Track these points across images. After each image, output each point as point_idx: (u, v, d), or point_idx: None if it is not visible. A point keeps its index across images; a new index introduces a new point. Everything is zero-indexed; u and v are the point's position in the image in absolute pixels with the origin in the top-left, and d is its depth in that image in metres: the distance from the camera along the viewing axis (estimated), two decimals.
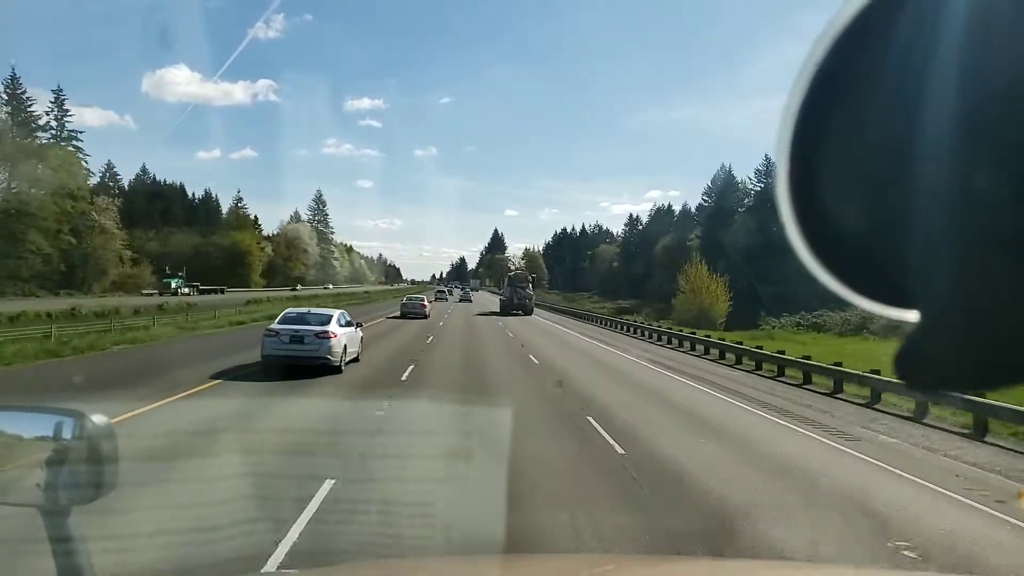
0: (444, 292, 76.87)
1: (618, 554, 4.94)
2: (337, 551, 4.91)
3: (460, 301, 71.87)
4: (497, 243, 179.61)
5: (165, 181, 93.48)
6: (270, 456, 7.37)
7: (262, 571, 4.30)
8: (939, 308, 0.46)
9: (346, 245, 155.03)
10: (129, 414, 9.19)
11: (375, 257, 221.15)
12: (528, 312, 49.04)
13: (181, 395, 11.16)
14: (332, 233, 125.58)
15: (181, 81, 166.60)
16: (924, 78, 0.44)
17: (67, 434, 1.11)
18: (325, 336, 14.04)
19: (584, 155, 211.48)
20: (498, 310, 50.10)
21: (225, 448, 7.77)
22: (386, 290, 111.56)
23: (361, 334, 17.16)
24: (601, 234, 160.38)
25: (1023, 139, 0.40)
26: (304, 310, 16.00)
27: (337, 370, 14.19)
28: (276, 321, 15.02)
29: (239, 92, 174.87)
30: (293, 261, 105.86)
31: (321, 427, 9.45)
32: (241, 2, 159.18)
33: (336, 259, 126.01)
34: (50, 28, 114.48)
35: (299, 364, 13.60)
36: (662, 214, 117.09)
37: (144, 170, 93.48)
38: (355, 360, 15.95)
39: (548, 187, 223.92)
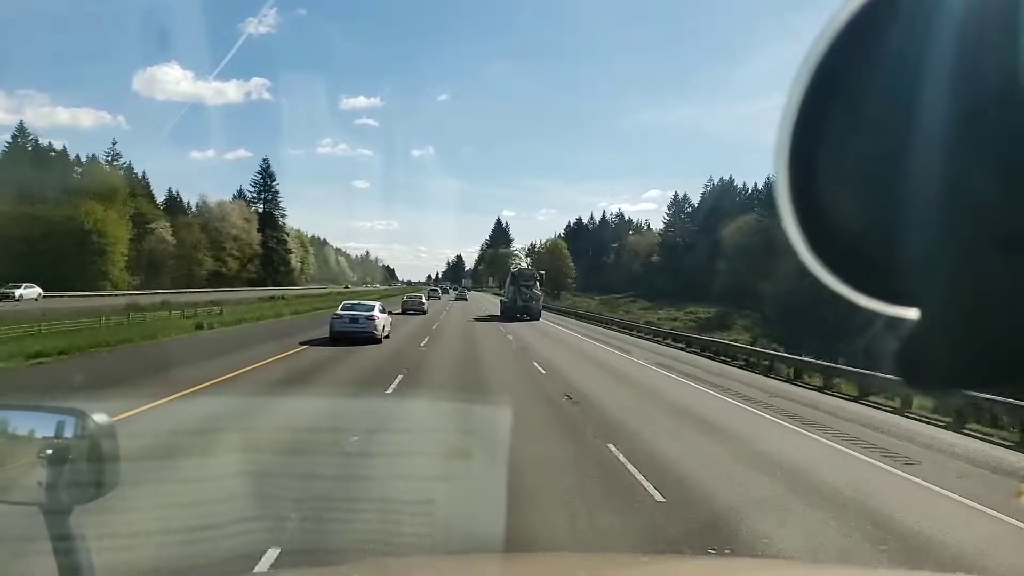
0: (437, 291, 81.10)
1: (618, 554, 4.78)
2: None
3: (455, 300, 74.03)
4: (500, 236, 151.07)
5: (50, 144, 69.22)
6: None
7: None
8: (938, 306, 0.47)
9: (313, 237, 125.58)
10: None
11: (361, 256, 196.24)
12: (534, 316, 40.61)
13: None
14: (284, 216, 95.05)
15: (172, 80, 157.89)
16: (921, 77, 0.44)
17: (69, 433, 1.12)
18: (371, 319, 21.09)
19: (581, 155, 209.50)
20: (499, 314, 41.81)
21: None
22: (335, 294, 67.37)
23: (391, 319, 24.13)
24: (623, 224, 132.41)
25: (1020, 138, 0.41)
26: (356, 302, 24.03)
27: (379, 341, 20.89)
28: (339, 309, 22.25)
29: (232, 91, 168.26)
30: (202, 251, 73.01)
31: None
32: None
33: (290, 251, 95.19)
34: (39, 28, 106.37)
35: (354, 337, 20.38)
36: (723, 190, 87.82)
37: (22, 129, 68.46)
38: (387, 336, 22.33)
39: (545, 188, 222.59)
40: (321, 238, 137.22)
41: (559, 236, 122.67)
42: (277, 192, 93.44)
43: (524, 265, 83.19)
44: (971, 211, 0.43)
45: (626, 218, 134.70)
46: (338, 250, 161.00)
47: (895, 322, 0.48)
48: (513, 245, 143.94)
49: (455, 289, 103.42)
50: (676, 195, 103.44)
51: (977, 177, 0.42)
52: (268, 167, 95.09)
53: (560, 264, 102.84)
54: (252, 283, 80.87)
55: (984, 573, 5.24)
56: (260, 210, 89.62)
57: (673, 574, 2.28)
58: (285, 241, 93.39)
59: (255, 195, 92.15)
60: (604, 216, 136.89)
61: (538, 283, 42.42)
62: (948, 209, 0.44)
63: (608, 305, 73.13)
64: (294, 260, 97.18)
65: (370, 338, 20.44)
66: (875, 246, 0.49)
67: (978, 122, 0.42)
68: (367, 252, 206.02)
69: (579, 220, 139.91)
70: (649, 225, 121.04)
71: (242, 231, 79.75)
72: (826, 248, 0.51)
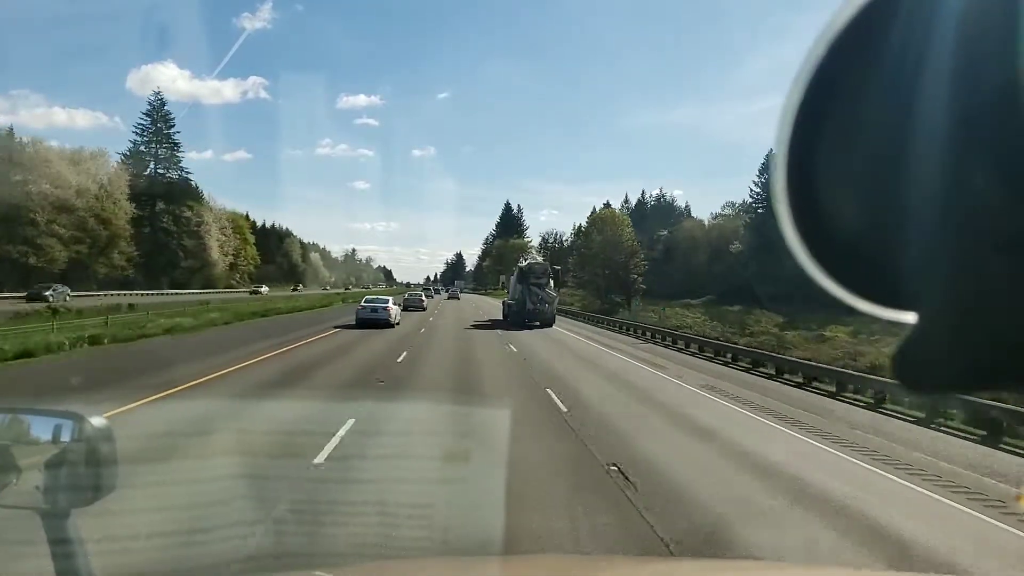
0: (430, 291, 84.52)
1: (617, 555, 4.83)
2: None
3: (448, 299, 76.84)
4: (510, 223, 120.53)
5: None
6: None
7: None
8: (936, 309, 0.46)
9: (272, 226, 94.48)
10: None
11: (347, 254, 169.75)
12: (547, 322, 34.53)
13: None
14: (189, 176, 62.84)
15: (168, 79, 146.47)
16: (921, 79, 0.44)
17: (66, 436, 1.12)
18: (387, 309, 29.34)
19: (582, 155, 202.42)
20: (501, 319, 37.03)
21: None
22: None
23: (400, 309, 32.65)
24: (664, 207, 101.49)
25: (1019, 140, 0.40)
26: (375, 296, 33.12)
27: (392, 326, 28.73)
28: (363, 301, 31.24)
29: (229, 90, 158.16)
30: None
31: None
32: None
33: (202, 238, 63.02)
34: (33, 27, 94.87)
35: (374, 323, 28.29)
36: None
37: None
38: (397, 323, 30.22)
39: (546, 189, 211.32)
40: (283, 227, 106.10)
41: (579, 226, 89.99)
42: (177, 145, 60.71)
43: (538, 259, 59.38)
44: (971, 212, 0.43)
45: (666, 199, 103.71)
46: (310, 244, 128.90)
47: (894, 325, 0.48)
48: (527, 235, 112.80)
49: (447, 290, 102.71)
50: (770, 157, 72.54)
51: (977, 178, 0.42)
52: (162, 104, 61.95)
53: (625, 252, 68.69)
54: (125, 284, 50.31)
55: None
56: (150, 173, 59.25)
57: (672, 574, 2.28)
58: (190, 221, 61.22)
59: (140, 143, 59.68)
60: (642, 198, 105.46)
61: (551, 280, 36.63)
62: (947, 210, 0.43)
63: (723, 319, 42.47)
64: (215, 252, 66.67)
65: (386, 323, 28.27)
66: (874, 248, 0.49)
67: (978, 123, 0.42)
68: (352, 250, 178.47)
69: (607, 205, 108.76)
70: (690, 211, 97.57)
71: (75, 195, 48.11)
72: (824, 250, 0.50)
